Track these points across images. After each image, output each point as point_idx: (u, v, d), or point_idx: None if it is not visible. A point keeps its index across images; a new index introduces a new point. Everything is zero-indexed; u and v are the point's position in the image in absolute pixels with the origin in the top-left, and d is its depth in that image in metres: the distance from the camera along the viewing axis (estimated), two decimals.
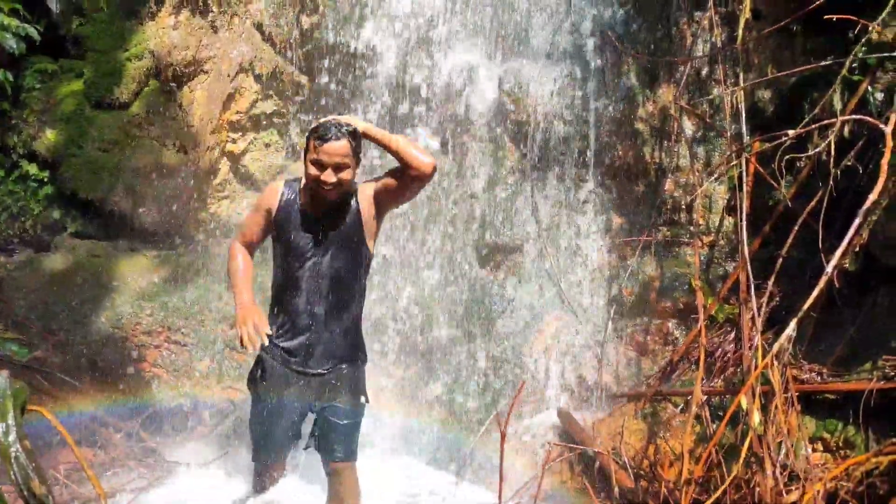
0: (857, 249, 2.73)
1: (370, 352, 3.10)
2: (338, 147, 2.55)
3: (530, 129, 4.40)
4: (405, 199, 2.90)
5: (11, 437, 1.47)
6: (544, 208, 4.34)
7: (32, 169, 4.86)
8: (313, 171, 2.63)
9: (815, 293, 2.53)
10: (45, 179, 4.89)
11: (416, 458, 3.81)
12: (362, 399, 2.95)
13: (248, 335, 2.68)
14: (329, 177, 2.59)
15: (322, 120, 2.69)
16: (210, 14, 5.25)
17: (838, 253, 2.61)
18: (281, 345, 2.87)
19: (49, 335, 4.33)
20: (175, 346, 4.49)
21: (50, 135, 4.89)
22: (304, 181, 2.81)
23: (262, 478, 3.02)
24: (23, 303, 4.46)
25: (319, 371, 2.86)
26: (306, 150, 2.67)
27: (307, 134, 2.70)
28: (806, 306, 2.53)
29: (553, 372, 3.88)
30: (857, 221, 2.61)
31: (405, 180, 2.71)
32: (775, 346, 2.45)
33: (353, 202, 2.80)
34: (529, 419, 3.73)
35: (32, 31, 4.73)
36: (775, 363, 2.37)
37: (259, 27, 5.28)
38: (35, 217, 4.86)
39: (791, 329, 2.46)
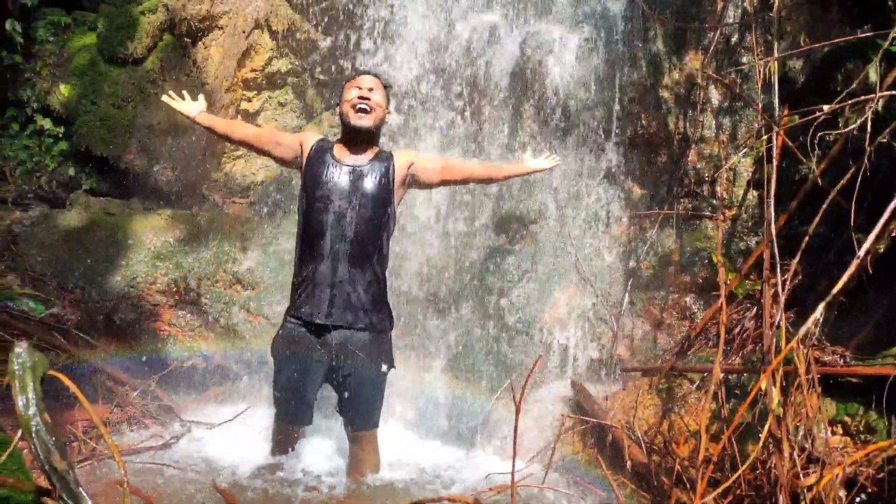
0: (894, 234, 2.64)
1: None
2: (371, 78, 2.96)
3: (551, 94, 4.28)
4: (442, 185, 3.23)
5: (32, 411, 1.47)
6: (563, 177, 4.25)
7: (47, 124, 4.82)
8: (351, 95, 2.88)
9: (844, 277, 2.47)
10: (60, 135, 4.85)
11: (427, 429, 3.83)
12: (384, 367, 2.96)
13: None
14: (365, 94, 2.87)
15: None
16: None
17: (872, 236, 2.54)
18: (304, 298, 2.88)
19: (65, 292, 4.35)
20: (190, 306, 4.50)
21: (64, 89, 4.83)
22: (336, 139, 3.03)
23: (283, 440, 3.05)
24: (39, 259, 4.47)
25: (342, 325, 2.87)
26: (341, 92, 2.98)
27: (341, 84, 3.04)
28: (835, 290, 2.47)
29: (568, 343, 3.86)
30: (892, 204, 2.53)
31: (463, 179, 3.20)
32: (801, 330, 2.40)
33: (386, 162, 2.96)
34: (543, 389, 3.73)
35: None
36: (799, 346, 2.32)
37: None
38: (50, 173, 4.84)
39: (819, 313, 2.41)
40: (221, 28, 5.05)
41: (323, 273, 2.86)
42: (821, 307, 2.42)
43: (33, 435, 1.47)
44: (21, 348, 1.54)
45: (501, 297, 4.07)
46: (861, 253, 2.48)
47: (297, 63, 5.20)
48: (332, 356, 2.90)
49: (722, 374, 2.94)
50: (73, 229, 4.65)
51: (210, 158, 5.05)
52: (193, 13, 4.98)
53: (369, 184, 2.89)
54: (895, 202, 2.50)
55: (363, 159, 2.94)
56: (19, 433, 1.52)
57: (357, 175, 2.90)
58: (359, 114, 2.87)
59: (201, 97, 3.22)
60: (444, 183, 3.17)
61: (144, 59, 4.97)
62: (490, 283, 4.12)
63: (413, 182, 3.08)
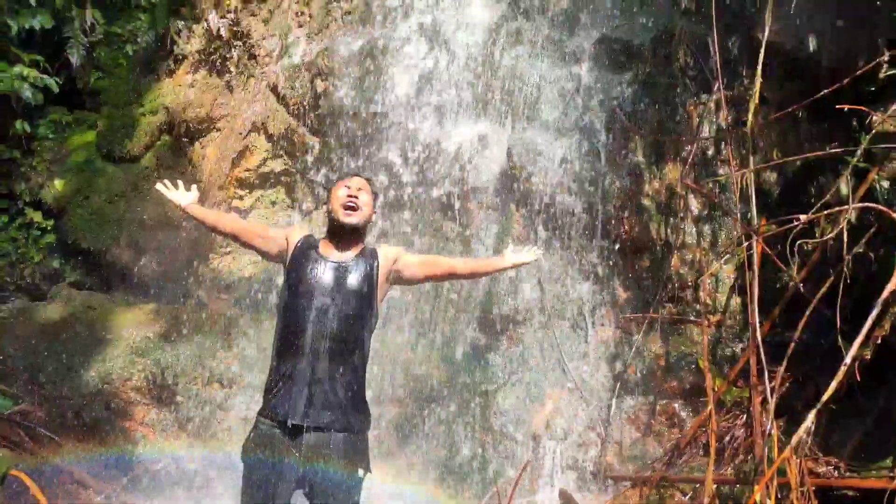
0: (879, 341, 2.66)
1: None
2: (360, 179, 2.98)
3: (537, 198, 4.41)
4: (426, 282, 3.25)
5: None
6: (549, 278, 4.29)
7: (37, 217, 4.86)
8: (341, 195, 2.88)
9: (833, 385, 2.46)
10: (49, 228, 4.88)
11: None
12: (360, 472, 2.82)
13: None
14: (354, 193, 2.88)
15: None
16: (227, 74, 5.37)
17: (856, 343, 2.55)
18: (281, 397, 2.77)
19: (36, 387, 4.20)
20: (164, 405, 4.35)
21: (58, 184, 4.92)
22: (323, 234, 3.01)
23: None
24: (12, 352, 4.36)
25: (318, 425, 2.74)
26: (330, 192, 2.99)
27: (331, 186, 3.06)
28: (824, 398, 2.45)
29: (554, 449, 3.74)
30: (874, 312, 2.56)
31: (446, 275, 3.19)
32: (794, 439, 2.36)
33: (371, 258, 2.94)
34: (530, 499, 3.57)
35: (51, 83, 4.84)
36: (793, 456, 2.27)
37: (274, 89, 5.38)
38: (34, 265, 4.82)
39: (809, 421, 2.37)
40: (219, 130, 5.23)
41: (302, 370, 2.77)
42: (811, 415, 2.39)
43: None
44: (17, 483, 1.46)
45: (487, 400, 3.98)
46: (848, 360, 2.49)
47: (290, 164, 5.34)
48: (306, 459, 2.76)
49: (714, 486, 2.84)
50: (51, 322, 4.56)
51: (198, 254, 5.07)
52: (193, 116, 5.17)
53: (353, 280, 2.86)
54: (876, 310, 2.53)
55: (348, 255, 2.92)
56: None
57: (341, 271, 2.88)
58: (347, 211, 2.89)
59: (194, 188, 3.26)
60: (428, 279, 3.16)
61: (141, 157, 5.11)
62: (475, 385, 4.04)
63: (397, 278, 3.04)
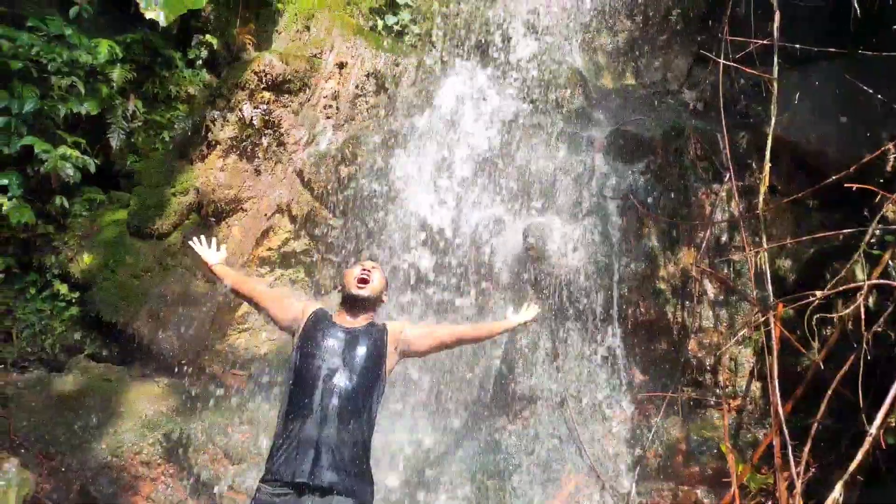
0: None
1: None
2: (372, 262, 3.23)
3: (552, 280, 4.47)
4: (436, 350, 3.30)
5: None
6: (565, 360, 4.28)
7: (63, 289, 4.97)
8: (354, 273, 3.10)
9: (859, 455, 2.40)
10: (74, 300, 4.98)
11: None
12: None
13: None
14: (367, 271, 3.09)
15: None
16: (256, 160, 5.63)
17: (881, 413, 2.51)
18: (286, 458, 2.78)
19: (45, 459, 4.15)
20: (172, 480, 4.27)
21: (87, 258, 5.06)
22: (335, 307, 3.15)
23: None
24: (26, 423, 4.34)
25: (322, 485, 2.73)
26: (344, 276, 3.17)
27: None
28: (851, 467, 2.38)
29: None
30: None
31: (453, 342, 3.28)
32: None
33: (381, 328, 3.10)
34: None
35: (90, 163, 5.09)
36: None
37: (300, 174, 5.63)
38: (56, 336, 4.88)
39: (837, 492, 2.30)
40: (245, 210, 5.42)
41: (309, 430, 2.80)
42: (838, 487, 2.31)
43: None
44: (10, 464, 1.48)
45: (502, 482, 3.87)
46: (873, 430, 2.44)
47: (312, 244, 5.49)
48: None
49: None
50: (65, 394, 4.57)
51: (216, 330, 5.12)
52: (222, 197, 5.38)
53: (363, 345, 2.98)
54: None
55: (359, 323, 3.07)
56: None
57: (352, 336, 3.00)
58: (360, 284, 3.07)
59: (223, 248, 3.41)
60: (436, 348, 3.24)
61: (168, 234, 5.27)
62: (490, 466, 3.94)
63: (406, 350, 3.14)
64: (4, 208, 4.71)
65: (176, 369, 4.89)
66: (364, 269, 3.08)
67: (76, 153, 4.94)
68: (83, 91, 5.08)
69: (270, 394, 4.84)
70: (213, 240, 3.34)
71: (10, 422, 4.29)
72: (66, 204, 4.99)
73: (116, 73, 5.25)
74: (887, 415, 2.56)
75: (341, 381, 2.85)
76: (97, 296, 4.93)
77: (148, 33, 5.41)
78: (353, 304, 3.05)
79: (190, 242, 3.37)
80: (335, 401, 2.81)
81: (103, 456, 4.21)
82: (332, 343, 2.94)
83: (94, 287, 4.97)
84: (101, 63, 5.15)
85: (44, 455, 4.17)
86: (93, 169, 5.11)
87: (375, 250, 5.11)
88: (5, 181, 4.80)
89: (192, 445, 4.39)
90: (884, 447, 2.57)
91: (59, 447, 4.24)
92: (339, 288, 3.23)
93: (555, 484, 3.82)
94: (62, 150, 4.90)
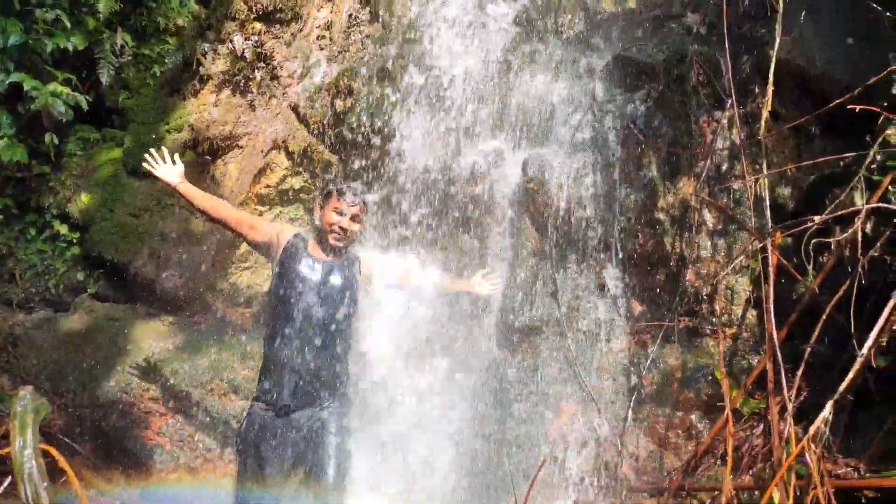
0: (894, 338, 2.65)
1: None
2: (357, 205, 3.22)
3: (552, 212, 4.46)
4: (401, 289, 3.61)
5: (27, 453, 1.45)
6: (564, 291, 4.31)
7: (63, 230, 4.99)
8: (333, 217, 3.16)
9: (850, 374, 2.45)
10: (74, 241, 5.00)
11: None
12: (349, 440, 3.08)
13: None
14: (346, 223, 3.17)
15: (344, 182, 3.47)
16: (249, 94, 5.52)
17: (873, 333, 2.55)
18: (272, 383, 3.05)
19: (56, 396, 4.27)
20: (181, 416, 4.40)
21: (84, 198, 5.05)
22: (312, 236, 3.28)
23: None
24: (35, 361, 4.44)
25: (305, 405, 3.03)
26: (326, 201, 3.23)
27: (327, 190, 3.29)
28: (842, 387, 2.44)
29: (570, 460, 3.72)
30: (891, 302, 2.56)
31: (414, 286, 3.58)
32: (811, 429, 2.35)
33: (356, 262, 3.29)
34: None
35: (82, 101, 5.01)
36: (811, 447, 2.25)
37: (295, 108, 5.53)
38: (59, 277, 4.93)
39: (827, 411, 2.37)
40: (241, 147, 5.36)
41: (290, 358, 3.02)
42: (828, 406, 2.38)
43: (25, 477, 1.43)
44: (26, 391, 1.54)
45: (502, 412, 3.98)
46: (864, 350, 2.48)
47: (309, 181, 5.45)
48: (299, 433, 2.99)
49: (733, 492, 2.81)
50: (73, 333, 4.65)
51: (217, 268, 5.15)
52: (216, 133, 5.31)
53: (337, 277, 3.17)
54: (893, 300, 2.52)
55: (334, 257, 3.24)
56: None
57: (327, 268, 3.18)
58: (334, 236, 3.18)
59: (179, 162, 3.41)
60: (400, 288, 3.54)
61: None
62: (490, 396, 4.05)
63: (375, 281, 3.39)
64: None
65: (180, 308, 4.96)
66: (341, 227, 3.14)
67: (67, 90, 4.86)
68: (69, 25, 4.94)
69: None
70: (164, 150, 3.34)
71: (19, 361, 4.38)
72: (56, 140, 4.93)
73: (102, 4, 5.09)
74: (879, 336, 2.59)
75: (318, 311, 3.05)
76: (97, 235, 4.95)
77: None
78: (328, 245, 3.18)
79: (144, 165, 3.39)
80: (313, 330, 3.04)
81: (113, 393, 4.32)
82: (308, 274, 3.10)
83: (93, 227, 4.98)
84: None
85: (55, 392, 4.29)
86: (85, 106, 5.04)
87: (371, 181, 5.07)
88: None
89: (200, 381, 4.49)
90: (875, 368, 2.61)
91: (68, 385, 4.36)
92: (316, 216, 3.28)
93: (554, 411, 3.92)
94: (52, 86, 4.81)
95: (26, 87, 4.68)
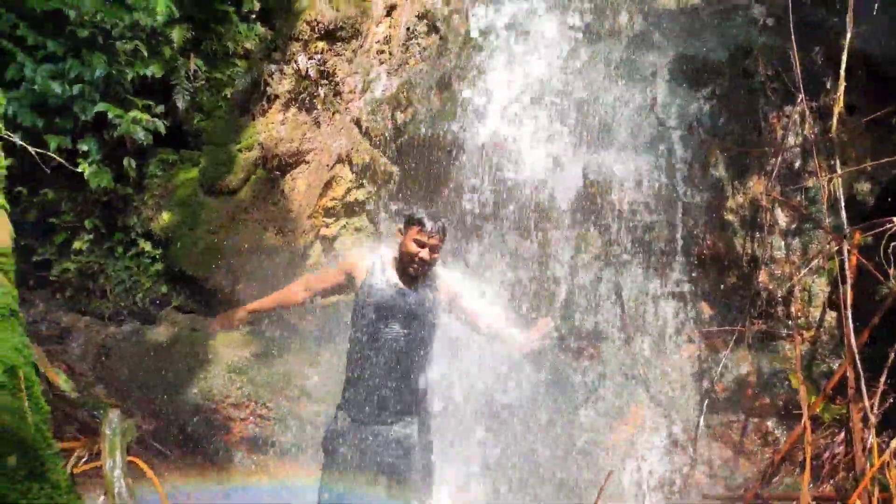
0: None
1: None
2: (437, 235, 3.24)
3: (615, 216, 4.42)
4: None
5: (117, 473, 1.58)
6: (629, 296, 4.26)
7: (147, 247, 5.29)
8: (414, 248, 3.21)
9: None
10: (158, 257, 5.29)
11: None
12: (432, 457, 3.19)
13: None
14: (426, 255, 3.21)
15: (425, 211, 3.35)
16: (314, 111, 5.71)
17: None
18: (355, 400, 3.18)
19: (146, 403, 4.54)
20: (260, 420, 4.59)
21: (166, 216, 5.34)
22: (391, 258, 3.36)
23: None
24: (126, 371, 4.73)
25: (386, 422, 3.13)
26: (407, 229, 3.29)
27: (409, 218, 3.33)
28: None
29: (640, 468, 3.68)
30: None
31: (488, 330, 3.43)
32: (893, 443, 2.24)
33: (434, 288, 3.36)
34: None
35: (160, 126, 5.30)
36: (892, 461, 2.16)
37: (357, 122, 5.68)
38: (145, 291, 5.23)
39: None
40: (308, 163, 5.55)
41: (372, 380, 3.14)
42: None
43: (115, 495, 1.56)
44: (114, 414, 1.67)
45: (569, 416, 3.97)
46: None
47: (373, 192, 5.58)
48: (381, 447, 3.10)
49: (812, 502, 2.72)
50: (158, 344, 4.93)
51: (289, 279, 5.34)
52: (284, 150, 5.51)
53: (417, 303, 3.25)
54: None
55: (414, 283, 3.31)
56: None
57: (406, 293, 3.26)
58: (414, 267, 3.25)
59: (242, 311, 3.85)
60: (475, 329, 3.46)
61: (238, 190, 5.47)
62: (556, 403, 4.04)
63: (459, 312, 3.43)
64: (86, 173, 5.01)
65: (256, 318, 5.17)
66: (421, 258, 3.18)
67: (146, 116, 5.15)
68: (146, 54, 5.24)
69: (343, 337, 5.06)
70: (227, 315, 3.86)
71: (112, 372, 4.69)
72: (133, 164, 5.23)
73: (176, 33, 5.37)
74: None
75: (399, 336, 3.16)
76: (178, 251, 5.22)
77: None
78: (407, 273, 3.25)
79: (212, 331, 3.59)
80: (393, 355, 3.15)
81: (196, 400, 4.56)
82: (387, 296, 3.21)
83: (174, 243, 5.26)
84: (160, 24, 5.28)
85: (144, 400, 4.57)
86: (163, 130, 5.33)
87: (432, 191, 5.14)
88: (86, 147, 5.08)
89: (275, 387, 4.68)
90: None
91: (155, 393, 4.62)
92: (399, 238, 3.33)
93: (621, 418, 3.89)
94: (133, 113, 5.11)
95: (110, 116, 4.99)
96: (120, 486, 1.58)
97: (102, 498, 1.59)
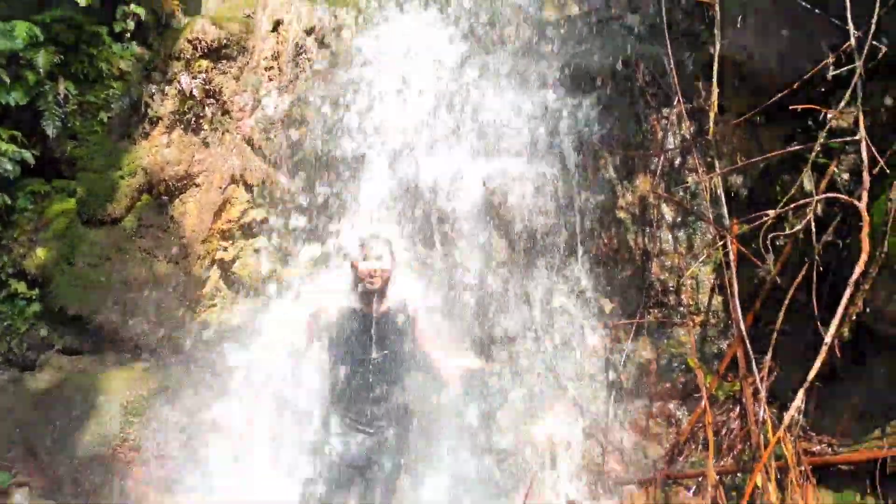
0: (854, 318, 2.77)
1: None
2: (379, 248, 3.57)
3: (516, 222, 4.53)
4: None
5: None
6: (536, 298, 4.38)
7: (21, 287, 4.85)
8: (362, 265, 3.51)
9: (817, 362, 2.57)
10: (34, 297, 4.86)
11: None
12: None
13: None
14: (374, 265, 3.49)
15: (367, 234, 3.70)
16: (202, 131, 5.48)
17: (835, 321, 2.68)
18: (330, 416, 3.53)
19: (32, 457, 4.14)
20: (164, 461, 4.31)
21: (40, 252, 4.92)
22: (350, 290, 3.62)
23: None
24: (4, 425, 4.31)
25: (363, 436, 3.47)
26: (356, 261, 3.59)
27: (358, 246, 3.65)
28: (811, 376, 2.55)
29: (558, 462, 3.77)
30: (848, 291, 2.69)
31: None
32: (786, 418, 2.44)
33: (403, 312, 3.64)
34: None
35: (28, 156, 4.90)
36: (787, 435, 2.34)
37: (249, 141, 5.50)
38: (21, 336, 4.79)
39: (799, 400, 2.46)
40: (198, 185, 5.31)
41: (343, 394, 3.48)
42: (800, 394, 2.48)
43: None
44: (21, 495, 1.51)
45: (487, 421, 4.01)
46: (828, 338, 2.59)
47: (271, 211, 5.42)
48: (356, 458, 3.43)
49: (717, 477, 2.89)
50: (42, 391, 4.53)
51: (186, 308, 5.08)
52: (172, 174, 5.25)
53: (389, 332, 3.51)
54: (849, 290, 2.65)
55: (381, 308, 3.57)
56: None
57: (376, 325, 3.52)
58: (368, 280, 3.53)
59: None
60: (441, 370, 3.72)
61: (122, 218, 5.15)
62: (473, 407, 4.07)
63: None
64: None
65: (151, 352, 4.87)
66: (371, 274, 3.48)
67: (12, 147, 4.75)
68: (7, 80, 4.84)
69: (251, 365, 4.86)
70: None
71: None
72: (7, 200, 4.80)
73: (41, 57, 4.99)
74: (839, 327, 2.71)
75: (371, 367, 3.44)
76: (58, 289, 4.83)
77: (68, 9, 5.12)
78: (368, 292, 3.52)
79: None
80: (364, 371, 3.45)
81: (90, 447, 4.22)
82: (361, 334, 3.47)
83: (52, 281, 4.85)
84: (21, 48, 4.88)
85: (30, 454, 4.16)
86: (32, 161, 4.93)
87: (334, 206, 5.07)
88: None
89: (179, 425, 4.41)
90: (838, 350, 2.73)
91: (43, 444, 4.23)
92: (351, 269, 3.60)
93: (538, 415, 3.97)
94: None
95: None
96: None
97: None
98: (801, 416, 2.63)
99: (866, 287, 2.73)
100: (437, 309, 4.33)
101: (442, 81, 5.25)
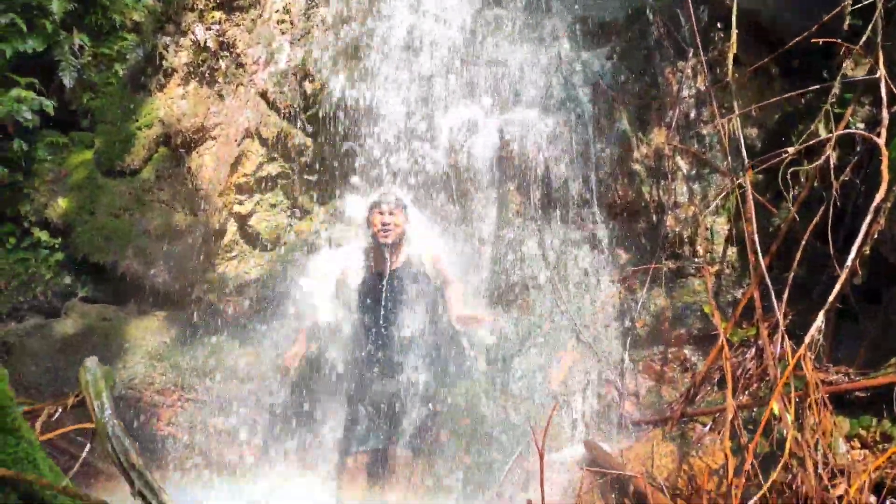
0: (869, 252, 2.84)
1: None
2: (391, 203, 3.88)
3: (532, 173, 4.58)
4: None
5: (107, 414, 1.53)
6: (551, 247, 4.46)
7: (44, 236, 4.92)
8: (376, 219, 3.80)
9: (839, 284, 2.64)
10: (57, 246, 4.94)
11: (443, 498, 3.74)
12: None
13: None
14: (387, 219, 3.77)
15: (378, 193, 4.03)
16: (217, 84, 5.49)
17: (858, 241, 2.74)
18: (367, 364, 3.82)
19: (62, 398, 4.25)
20: (189, 404, 4.43)
21: (62, 202, 4.98)
22: (366, 248, 3.97)
23: None
24: (34, 368, 4.41)
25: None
26: (370, 214, 3.90)
27: (369, 205, 4.01)
28: (832, 297, 2.63)
29: (574, 406, 3.89)
30: (869, 217, 2.75)
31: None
32: (806, 338, 2.53)
33: (418, 262, 3.92)
34: (557, 455, 3.71)
35: (48, 105, 4.92)
36: (808, 354, 2.43)
37: (264, 94, 5.50)
38: (46, 283, 4.87)
39: (820, 320, 2.55)
40: (214, 138, 5.34)
41: (371, 358, 3.80)
42: (821, 315, 2.56)
43: (111, 436, 1.50)
44: (91, 362, 1.61)
45: (503, 366, 4.12)
46: (850, 261, 2.66)
47: (286, 166, 5.45)
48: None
49: (736, 409, 2.99)
50: (68, 337, 4.63)
51: (204, 260, 5.15)
52: (188, 126, 5.27)
53: (408, 285, 3.77)
54: (870, 214, 2.71)
55: (397, 262, 3.81)
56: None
57: (395, 279, 3.76)
58: (381, 234, 3.78)
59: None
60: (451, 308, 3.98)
61: (140, 170, 5.19)
62: (491, 353, 4.18)
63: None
64: None
65: (172, 302, 4.96)
66: (384, 223, 3.75)
67: (31, 95, 4.77)
68: (24, 28, 4.83)
69: (267, 314, 4.96)
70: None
71: (16, 368, 4.35)
72: (24, 146, 4.84)
73: (56, 5, 4.98)
74: (861, 246, 2.78)
75: (398, 315, 3.71)
76: (79, 239, 4.90)
77: None
78: (384, 250, 3.77)
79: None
80: (387, 323, 3.73)
81: (118, 390, 4.32)
82: (375, 288, 3.72)
83: (74, 230, 4.92)
84: None
85: (60, 395, 4.27)
86: (51, 111, 4.95)
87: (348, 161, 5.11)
88: None
89: (202, 371, 4.53)
90: (854, 285, 2.81)
91: (71, 387, 4.33)
92: (366, 226, 3.87)
93: (554, 362, 4.08)
94: (15, 92, 4.72)
95: None
96: (113, 425, 1.52)
97: (89, 446, 1.52)
98: (820, 337, 2.71)
99: (882, 221, 2.79)
100: (454, 261, 4.42)
101: (457, 34, 5.25)
